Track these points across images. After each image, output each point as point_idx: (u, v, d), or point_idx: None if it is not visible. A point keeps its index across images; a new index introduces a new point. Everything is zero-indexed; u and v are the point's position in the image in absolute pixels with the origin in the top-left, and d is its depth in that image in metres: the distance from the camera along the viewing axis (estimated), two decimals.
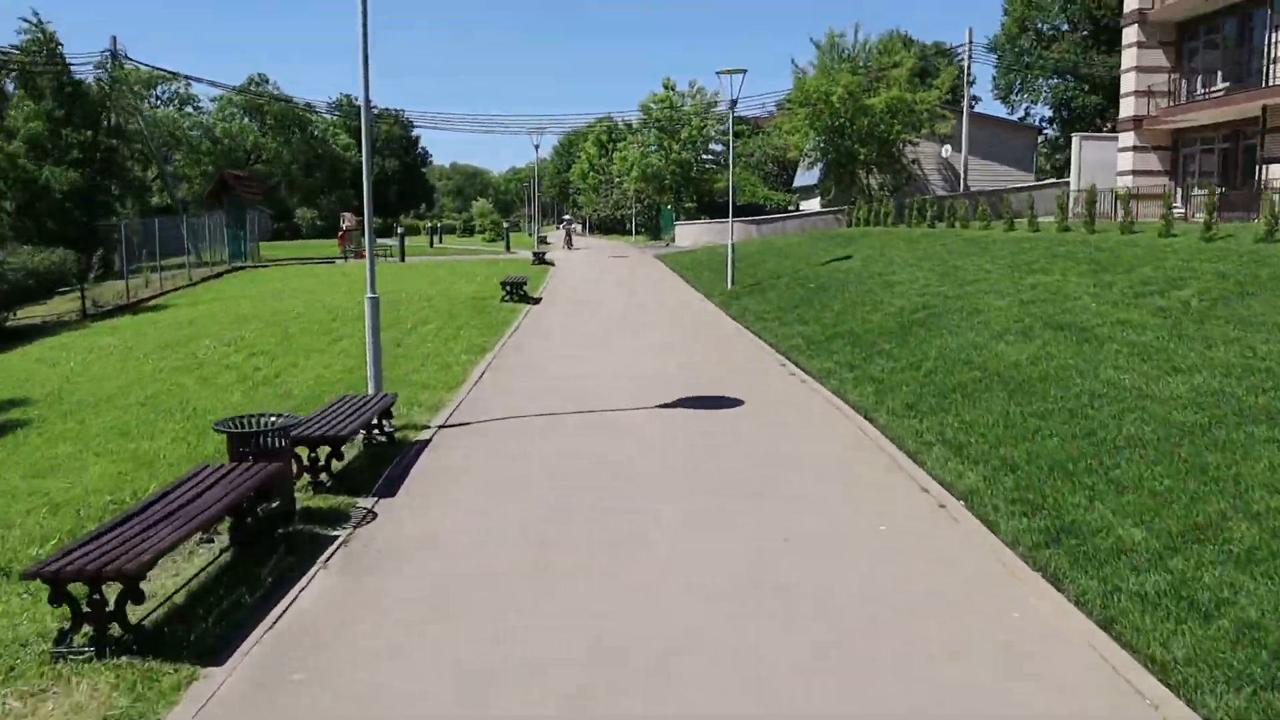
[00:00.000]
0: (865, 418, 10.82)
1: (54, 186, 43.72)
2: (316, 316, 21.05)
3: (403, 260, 42.48)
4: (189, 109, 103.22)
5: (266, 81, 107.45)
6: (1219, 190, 29.81)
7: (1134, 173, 32.73)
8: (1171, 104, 32.15)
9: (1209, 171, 31.80)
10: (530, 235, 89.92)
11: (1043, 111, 78.04)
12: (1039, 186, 44.37)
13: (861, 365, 13.18)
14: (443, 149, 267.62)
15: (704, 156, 58.62)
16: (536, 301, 24.78)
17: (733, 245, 25.69)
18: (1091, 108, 72.15)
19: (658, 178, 56.66)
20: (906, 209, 32.26)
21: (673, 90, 56.22)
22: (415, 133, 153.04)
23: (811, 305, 19.43)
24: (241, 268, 41.58)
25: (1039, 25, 74.54)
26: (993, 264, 18.59)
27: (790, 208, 58.01)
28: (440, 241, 68.65)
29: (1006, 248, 20.15)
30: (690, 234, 51.92)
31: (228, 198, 44.42)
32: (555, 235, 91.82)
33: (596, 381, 13.08)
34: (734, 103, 24.22)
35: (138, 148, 55.75)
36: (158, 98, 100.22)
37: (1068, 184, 39.05)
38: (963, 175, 45.36)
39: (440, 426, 10.74)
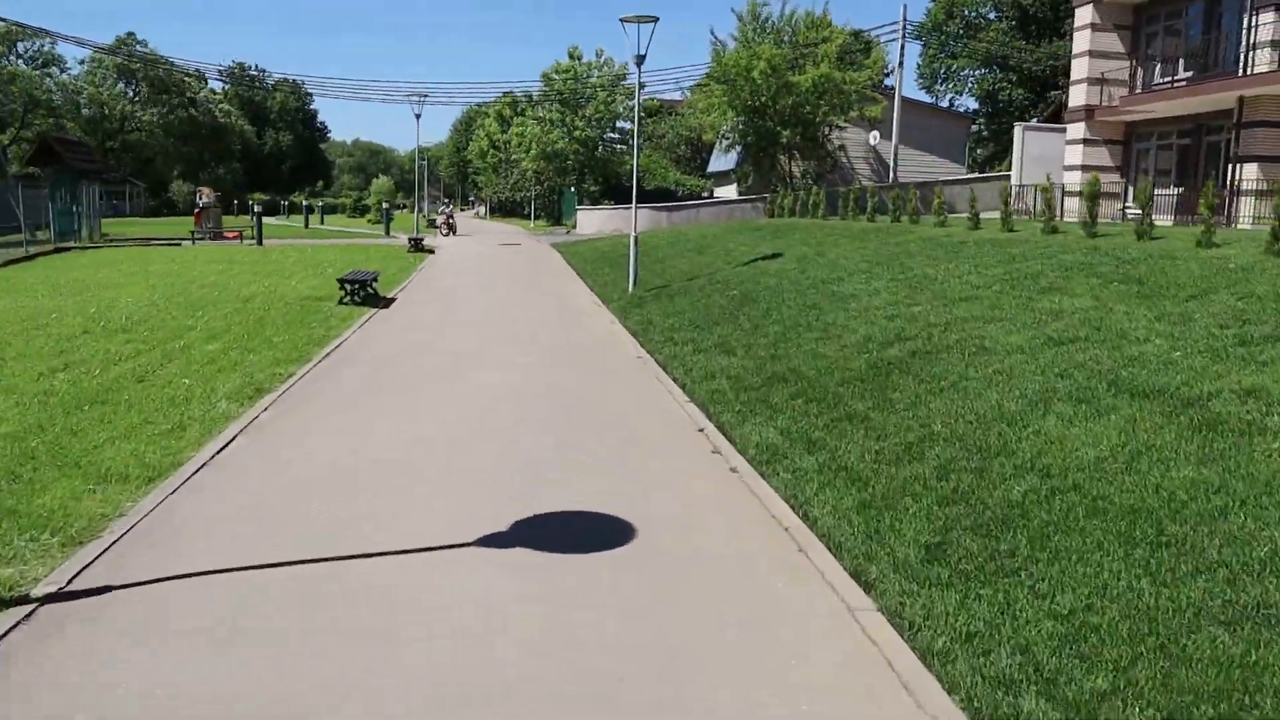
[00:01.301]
0: (870, 592, 5.67)
1: None
2: (68, 325, 15.52)
3: (259, 244, 36.59)
4: (55, 70, 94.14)
5: (140, 43, 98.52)
6: (1176, 190, 26.23)
7: (1083, 167, 28.95)
8: (1130, 93, 28.47)
9: (1165, 170, 28.36)
10: (437, 215, 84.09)
11: (968, 104, 74.98)
12: (977, 180, 40.52)
13: (826, 440, 8.39)
14: (345, 124, 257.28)
15: (610, 135, 53.47)
16: (387, 304, 19.53)
17: (635, 239, 20.78)
18: (1019, 101, 69.15)
19: (559, 157, 51.31)
20: (841, 199, 27.76)
21: (578, 60, 50.85)
22: (313, 105, 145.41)
23: (737, 322, 14.63)
24: (67, 248, 35.21)
25: (966, 12, 71.16)
26: (978, 275, 13.99)
27: (704, 194, 53.39)
28: (322, 223, 62.34)
29: (987, 253, 15.61)
30: (594, 221, 46.84)
31: (54, 168, 37.88)
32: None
33: (397, 478, 7.92)
34: (641, 58, 19.26)
35: None
36: (18, 56, 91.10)
37: (1007, 177, 35.37)
38: (893, 164, 41.23)
39: None
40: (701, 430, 9.39)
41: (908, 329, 11.70)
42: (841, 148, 44.31)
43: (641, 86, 21.64)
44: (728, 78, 38.94)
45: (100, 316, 16.28)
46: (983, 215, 20.44)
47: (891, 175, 40.74)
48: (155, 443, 8.61)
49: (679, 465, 8.28)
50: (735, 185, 49.92)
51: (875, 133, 45.24)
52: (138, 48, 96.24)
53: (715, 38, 42.74)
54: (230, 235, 41.49)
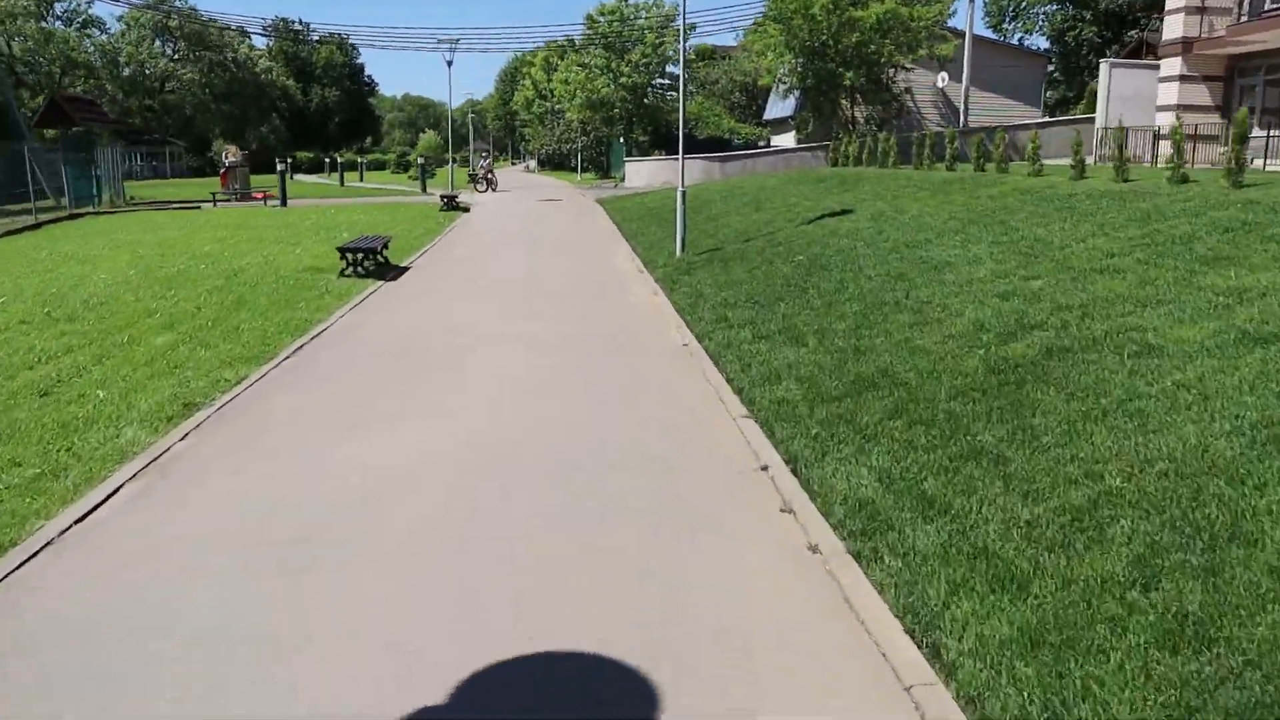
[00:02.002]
0: None
1: None
2: (10, 312, 13.24)
3: (283, 204, 34.32)
4: (94, 31, 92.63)
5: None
6: None
7: (1179, 107, 25.72)
8: (1236, 21, 25.02)
9: (1272, 108, 25.01)
10: (473, 170, 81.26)
11: (1038, 43, 70.56)
12: (1057, 123, 36.90)
13: (946, 495, 5.69)
14: (394, 79, 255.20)
15: (660, 82, 50.28)
16: (397, 275, 17.05)
17: (683, 194, 17.99)
18: (1093, 40, 64.71)
19: (605, 106, 48.28)
20: (915, 145, 24.67)
21: (626, 1, 47.55)
22: (359, 60, 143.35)
23: (805, 297, 11.91)
24: (81, 214, 33.25)
25: None
26: (1107, 239, 11.08)
27: (760, 143, 50.22)
28: (361, 180, 60.14)
29: (1108, 209, 12.64)
30: (643, 173, 43.95)
31: (65, 128, 35.84)
32: (501, 174, 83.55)
33: (324, 589, 5.45)
34: None
35: None
36: (55, 17, 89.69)
37: (1089, 120, 31.96)
38: (964, 107, 37.77)
39: None
40: (765, 469, 6.74)
41: (1031, 313, 8.90)
42: (908, 90, 40.90)
43: (691, 28, 18.83)
44: (784, 15, 35.73)
45: (57, 299, 13.98)
46: (1061, 161, 17.33)
47: (962, 119, 37.35)
48: (2, 501, 6.19)
49: (734, 548, 5.62)
50: (793, 133, 46.76)
51: (944, 74, 41.76)
52: (176, 3, 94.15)
53: None
54: (257, 196, 39.32)
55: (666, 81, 50.47)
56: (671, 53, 47.64)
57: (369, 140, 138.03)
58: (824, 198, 20.97)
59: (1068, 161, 17.67)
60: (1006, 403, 6.97)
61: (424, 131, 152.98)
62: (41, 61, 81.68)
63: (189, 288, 15.05)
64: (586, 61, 48.63)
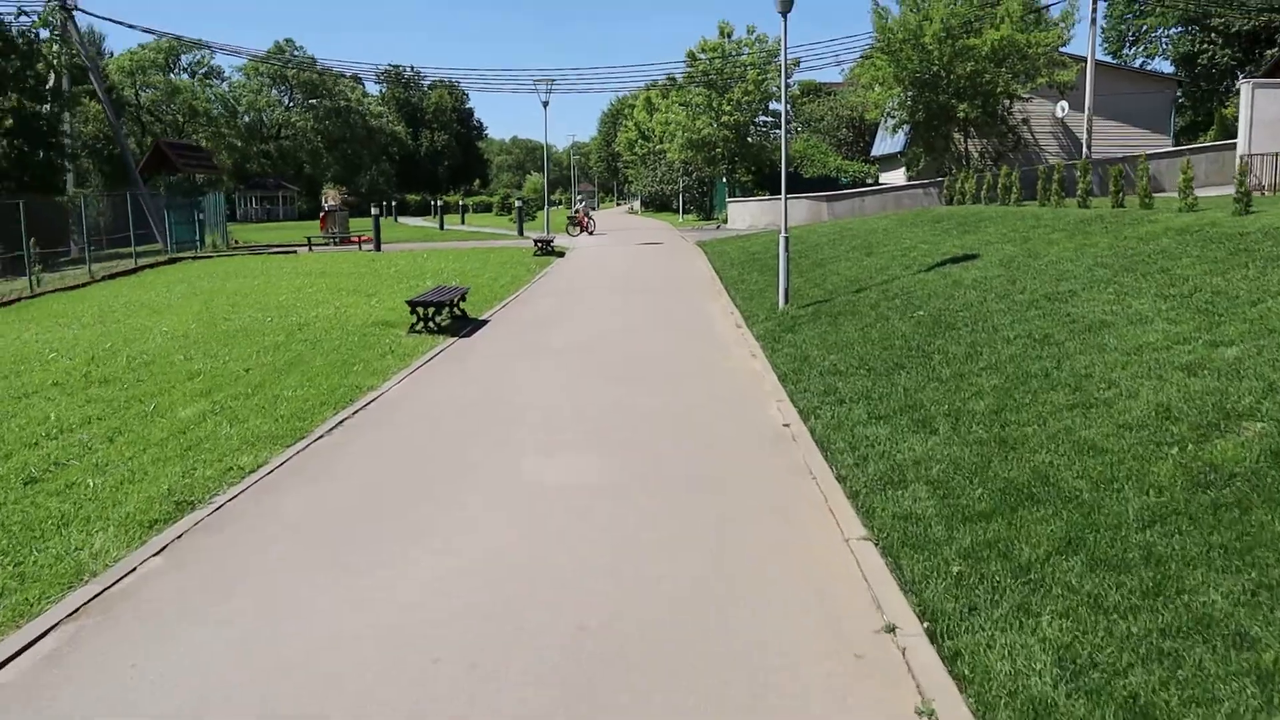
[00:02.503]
0: None
1: None
2: (51, 369, 12.20)
3: (377, 249, 33.64)
4: (215, 81, 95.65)
5: (297, 49, 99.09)
6: None
7: None
8: None
9: None
10: (572, 212, 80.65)
11: (1162, 68, 66.85)
12: (1191, 151, 34.00)
13: None
14: (502, 123, 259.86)
15: (763, 119, 48.65)
16: (473, 330, 15.66)
17: (785, 239, 16.23)
18: (1224, 63, 61.02)
19: (706, 146, 46.82)
20: (1040, 179, 22.44)
21: (728, 38, 46.14)
22: (469, 105, 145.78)
23: (929, 364, 10.03)
24: (180, 259, 33.16)
25: None
26: None
27: (869, 181, 48.14)
28: (463, 223, 59.90)
29: None
30: (746, 214, 42.28)
31: (169, 174, 35.97)
32: (602, 215, 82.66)
33: None
34: (788, 3, 14.77)
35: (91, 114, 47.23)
36: (182, 69, 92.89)
37: (1228, 148, 29.15)
38: (1086, 138, 35.20)
39: None
40: (891, 631, 4.90)
41: (1234, 395, 6.90)
42: (1024, 121, 38.45)
43: (795, 64, 17.19)
44: (893, 46, 33.86)
45: (105, 357, 12.97)
46: (1200, 193, 15.08)
47: (1085, 150, 34.79)
48: None
49: None
50: (903, 170, 44.59)
51: (1063, 103, 39.15)
52: (295, 53, 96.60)
53: (878, 3, 37.46)
54: (354, 240, 38.95)
55: (769, 119, 48.82)
56: (774, 89, 46.00)
57: (477, 183, 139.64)
58: (943, 240, 18.98)
59: (1214, 193, 15.39)
60: (1230, 537, 5.03)
61: (530, 174, 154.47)
62: (167, 111, 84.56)
63: (246, 345, 13.92)
64: (688, 100, 47.35)
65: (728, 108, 45.38)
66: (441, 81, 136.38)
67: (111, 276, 28.42)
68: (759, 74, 44.56)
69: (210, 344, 14.11)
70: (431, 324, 15.11)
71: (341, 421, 9.69)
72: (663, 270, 24.98)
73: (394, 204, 71.61)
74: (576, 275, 24.37)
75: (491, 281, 22.61)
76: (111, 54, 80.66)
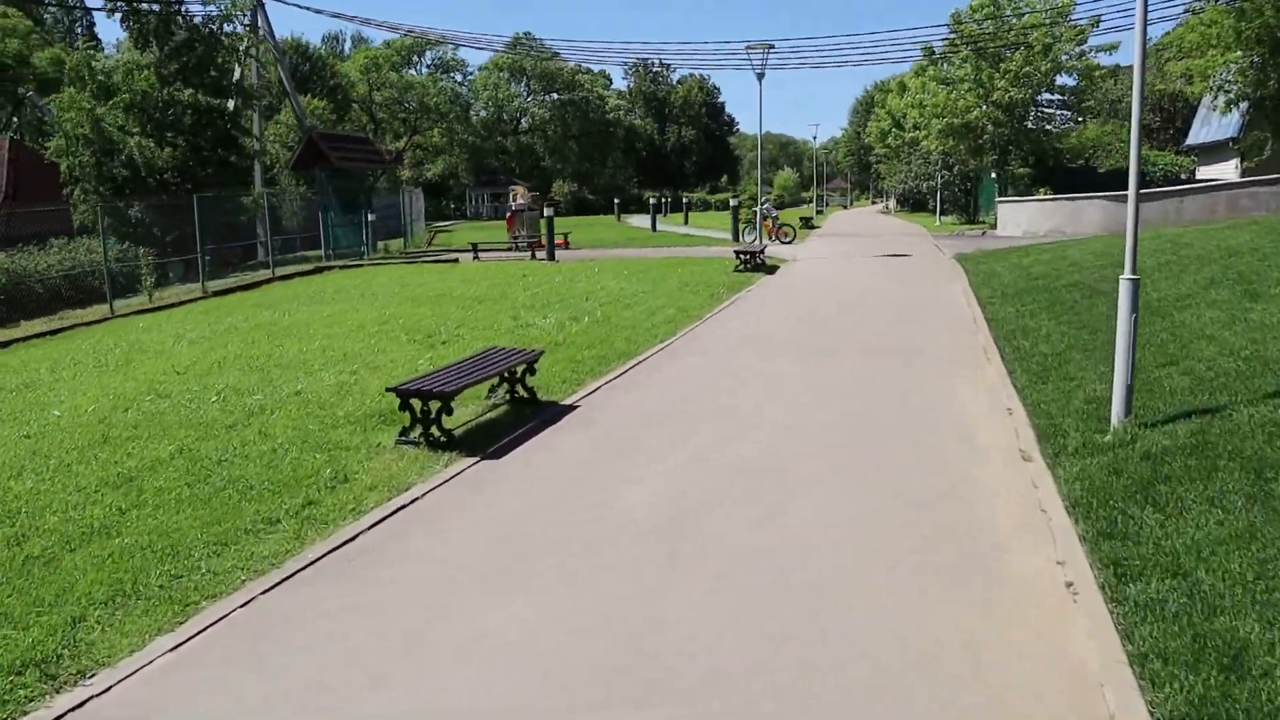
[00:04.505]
0: None
1: (152, 162, 32.04)
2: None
3: (551, 258, 27.40)
4: (455, 76, 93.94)
5: (535, 41, 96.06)
6: None
7: None
8: None
9: None
10: (818, 211, 72.22)
11: None
12: None
13: None
14: (754, 117, 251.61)
15: (1046, 98, 39.00)
16: (512, 441, 8.58)
17: (1134, 281, 8.09)
18: None
19: (971, 132, 37.76)
20: None
21: None
22: (720, 99, 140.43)
23: None
24: (326, 268, 28.36)
25: None
26: None
27: (1183, 175, 37.73)
28: (685, 222, 53.40)
29: None
30: (1021, 217, 33.18)
31: (327, 170, 31.31)
32: (837, 217, 73.61)
33: None
34: None
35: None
36: (426, 65, 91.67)
37: None
38: None
39: None
40: None
41: None
42: None
43: (1093, 24, 9.17)
44: None
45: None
46: None
47: None
48: None
49: None
50: (1234, 161, 34.20)
51: None
52: (531, 46, 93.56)
53: None
54: (542, 244, 33.10)
55: (1055, 98, 39.14)
56: (1065, 57, 36.35)
57: (724, 179, 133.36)
58: None
59: None
60: None
61: (782, 169, 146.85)
62: (400, 109, 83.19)
63: (88, 469, 7.70)
64: (949, 77, 38.48)
65: (1001, 82, 36.15)
66: (692, 76, 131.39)
67: (223, 293, 23.71)
68: (1047, 38, 35.07)
69: (63, 452, 8.05)
70: (433, 432, 8.25)
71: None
72: (899, 306, 17.07)
73: (619, 202, 66.01)
74: (766, 313, 16.85)
75: (647, 316, 15.67)
76: (310, 44, 79.27)
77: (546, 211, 28.37)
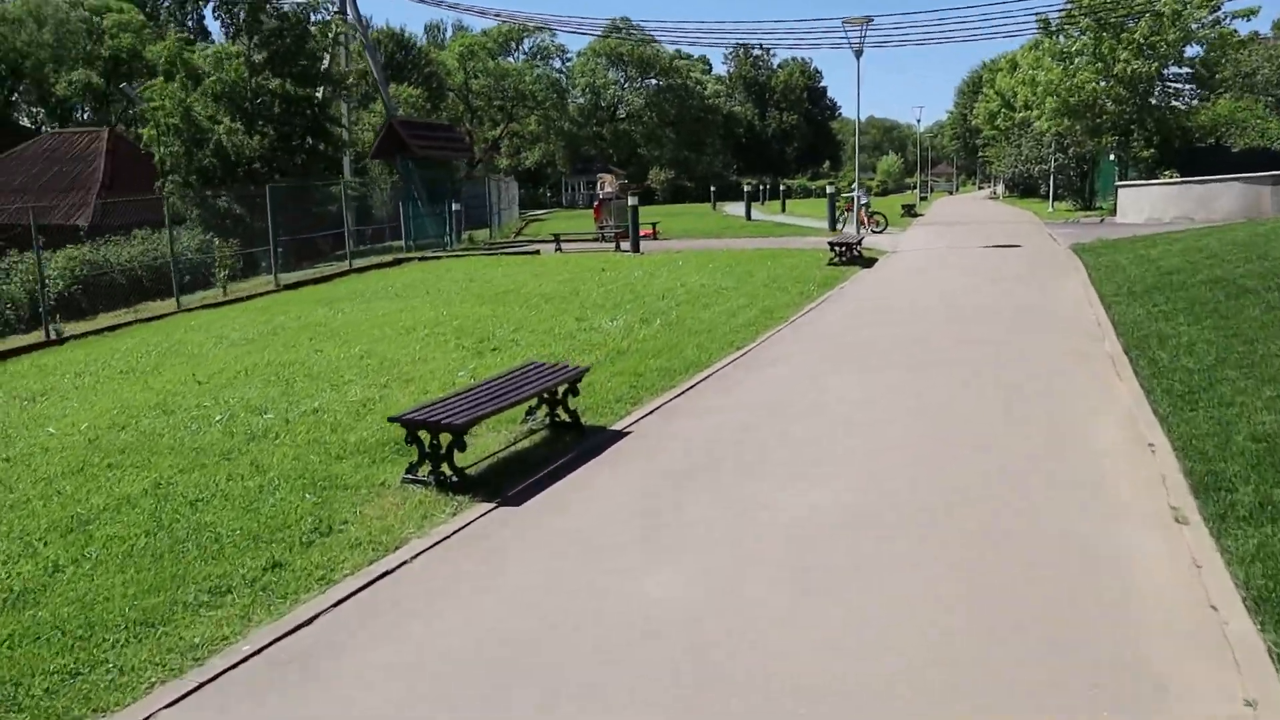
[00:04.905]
0: None
1: (241, 151, 31.73)
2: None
3: (635, 250, 25.99)
4: (554, 62, 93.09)
5: (633, 27, 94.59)
6: None
7: None
8: None
9: None
10: (921, 197, 69.00)
11: None
12: None
13: None
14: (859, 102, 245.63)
15: (1174, 71, 35.98)
16: (598, 446, 7.34)
17: None
18: None
19: (1088, 110, 35.03)
20: None
21: None
22: (822, 83, 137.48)
23: None
24: (404, 260, 27.51)
25: None
26: None
27: None
28: (783, 210, 51.49)
29: None
30: (1143, 202, 30.52)
31: (408, 159, 30.44)
32: (942, 203, 70.32)
33: None
34: None
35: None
36: (524, 53, 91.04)
37: None
38: None
39: None
40: None
41: None
42: None
43: None
44: None
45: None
46: None
47: None
48: None
49: None
50: None
51: None
52: (629, 32, 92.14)
53: None
54: (644, 234, 31.80)
55: (1183, 71, 36.09)
56: (1196, 25, 33.32)
57: (826, 165, 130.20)
58: None
59: None
60: None
61: (887, 154, 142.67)
62: (496, 96, 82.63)
63: (102, 485, 6.71)
64: (1067, 49, 35.76)
65: (1124, 54, 33.34)
66: (794, 60, 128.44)
67: (293, 286, 22.97)
68: (1177, 3, 32.16)
69: (29, 483, 7.06)
70: (443, 471, 6.92)
71: None
72: (1010, 307, 15.14)
73: (715, 189, 64.16)
74: (858, 315, 15.11)
75: (726, 318, 14.16)
76: (406, 32, 78.87)
77: (630, 201, 26.93)
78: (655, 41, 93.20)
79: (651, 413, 9.00)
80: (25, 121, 66.36)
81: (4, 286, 23.84)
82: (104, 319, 19.75)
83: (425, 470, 6.98)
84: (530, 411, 8.54)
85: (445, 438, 6.88)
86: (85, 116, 63.27)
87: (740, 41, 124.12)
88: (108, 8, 60.86)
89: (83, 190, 37.74)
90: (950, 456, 7.40)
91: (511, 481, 7.11)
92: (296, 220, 28.85)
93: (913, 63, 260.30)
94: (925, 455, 7.43)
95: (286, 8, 36.27)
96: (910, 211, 43.90)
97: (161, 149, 31.65)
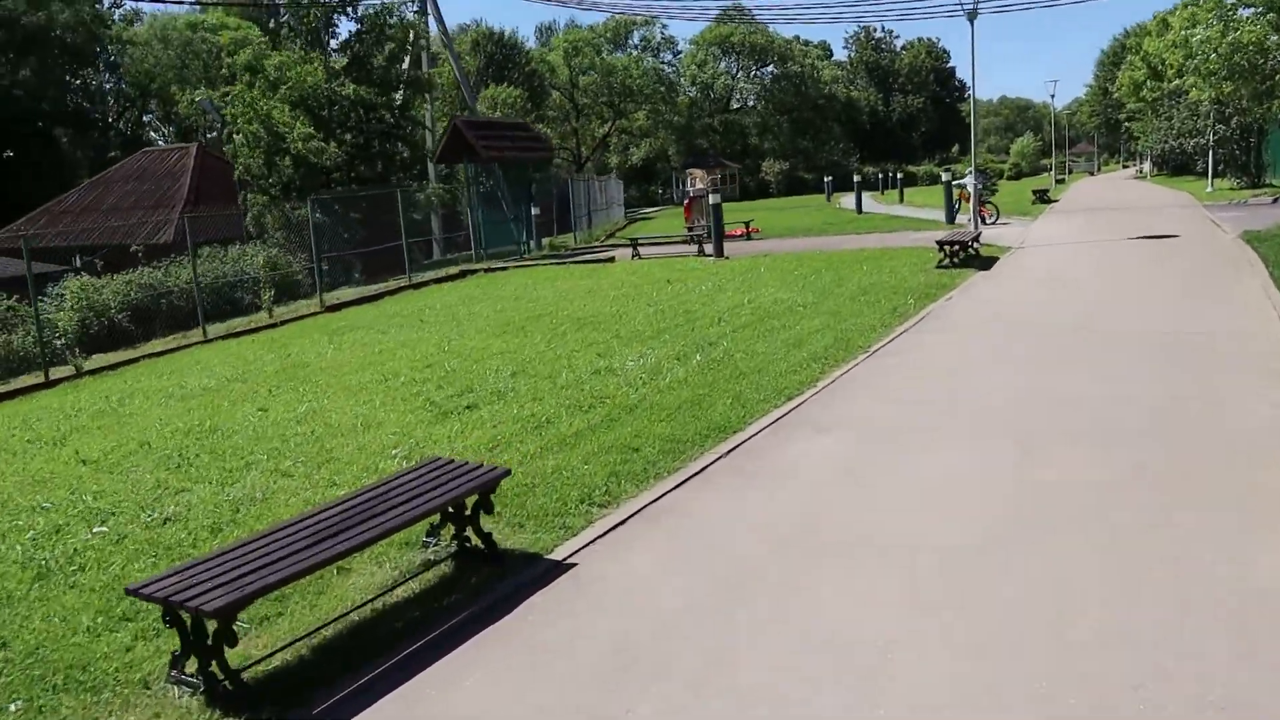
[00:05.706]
0: None
1: (319, 157, 30.17)
2: None
3: (719, 254, 23.02)
4: (664, 55, 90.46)
5: (746, 13, 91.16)
6: None
7: None
8: None
9: None
10: (1058, 180, 63.32)
11: None
12: None
13: None
14: (988, 81, 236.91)
15: None
16: (508, 599, 4.64)
17: None
18: None
19: (1255, 72, 30.31)
20: None
21: None
22: (949, 64, 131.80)
23: None
24: (471, 271, 25.28)
25: None
26: None
27: None
28: (901, 200, 47.62)
29: None
30: None
31: (475, 163, 28.13)
32: (1081, 186, 64.75)
33: None
34: None
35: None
36: (633, 46, 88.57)
37: None
38: None
39: None
40: None
41: None
42: None
43: None
44: None
45: None
46: None
47: None
48: None
49: None
50: None
51: None
52: (742, 18, 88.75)
53: None
54: (733, 233, 28.98)
55: None
56: None
57: (955, 149, 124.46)
58: None
59: None
60: None
61: (1020, 135, 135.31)
62: (602, 92, 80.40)
63: None
64: (1224, 6, 31.04)
65: None
66: (920, 41, 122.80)
67: (336, 307, 20.89)
68: None
69: None
70: (215, 670, 4.26)
71: None
72: (1168, 326, 11.65)
73: (829, 180, 60.29)
74: (961, 344, 11.77)
75: (787, 351, 11.13)
76: (504, 32, 77.05)
77: (712, 198, 24.01)
78: (766, 27, 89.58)
79: (619, 525, 6.15)
80: (160, 140, 67.69)
81: (53, 316, 22.55)
82: (119, 354, 17.88)
83: (193, 666, 4.35)
84: (433, 530, 5.84)
85: (211, 624, 4.23)
86: (207, 135, 63.94)
87: (849, 15, 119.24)
88: (224, 25, 61.11)
89: (167, 207, 37.01)
90: (1090, 614, 4.35)
91: (332, 677, 4.42)
92: (373, 230, 27.10)
93: (1046, 36, 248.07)
94: (1056, 625, 4.42)
95: (364, 10, 34.67)
96: (1043, 197, 39.45)
97: (242, 159, 30.37)
